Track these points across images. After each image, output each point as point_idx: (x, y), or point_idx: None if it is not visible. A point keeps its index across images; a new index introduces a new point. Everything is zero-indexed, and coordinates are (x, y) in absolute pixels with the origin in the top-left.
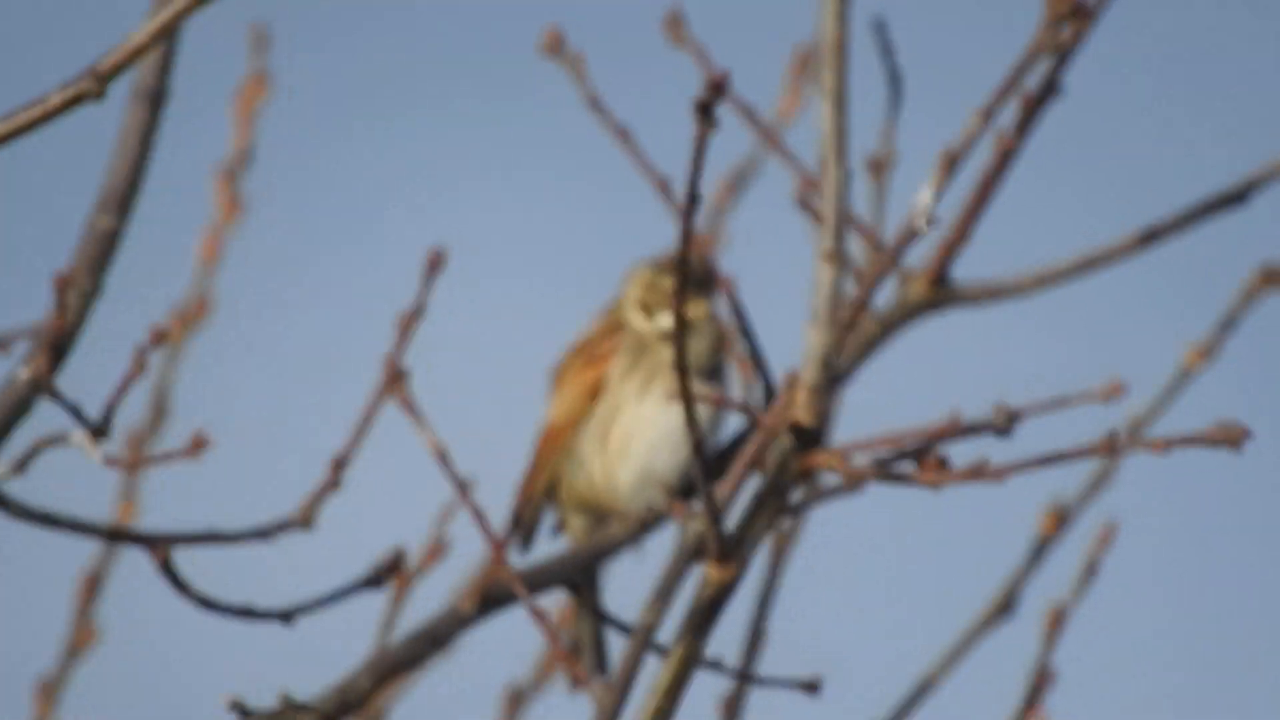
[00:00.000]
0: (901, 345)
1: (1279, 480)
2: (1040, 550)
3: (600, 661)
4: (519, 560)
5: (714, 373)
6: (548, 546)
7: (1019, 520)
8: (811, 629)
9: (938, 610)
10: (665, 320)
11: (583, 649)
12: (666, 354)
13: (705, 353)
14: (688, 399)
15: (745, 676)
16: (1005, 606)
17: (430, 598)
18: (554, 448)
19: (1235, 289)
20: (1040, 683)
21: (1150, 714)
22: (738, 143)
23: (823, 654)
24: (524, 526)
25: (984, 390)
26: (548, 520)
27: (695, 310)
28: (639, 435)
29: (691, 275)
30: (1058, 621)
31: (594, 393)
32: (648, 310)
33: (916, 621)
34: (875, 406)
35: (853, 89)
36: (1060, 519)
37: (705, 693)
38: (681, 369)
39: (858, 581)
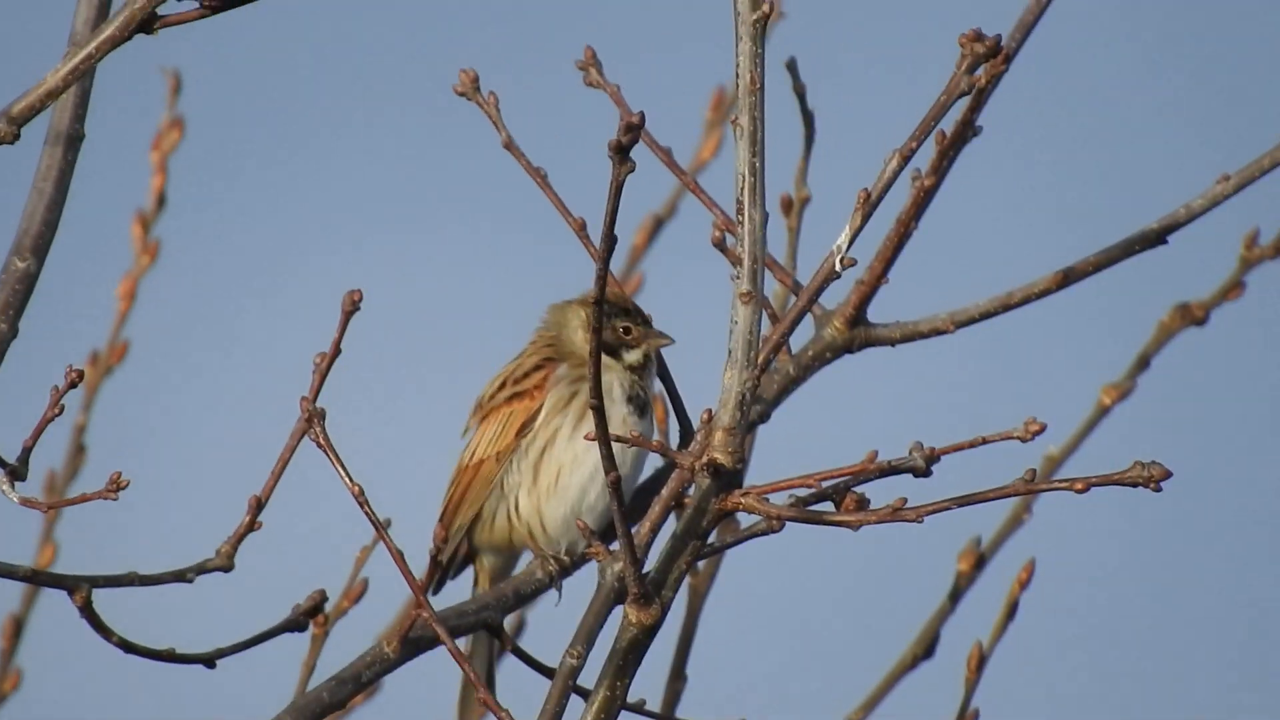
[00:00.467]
0: (819, 386)
1: (1194, 514)
2: (958, 590)
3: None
4: (439, 601)
5: (647, 407)
6: (464, 587)
7: (937, 559)
8: (732, 670)
9: (858, 651)
10: (631, 356)
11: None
12: (606, 383)
13: (648, 386)
14: (604, 439)
15: (669, 719)
16: (926, 647)
17: (350, 638)
18: (479, 481)
19: (1150, 326)
20: None
21: None
22: (657, 185)
23: (743, 694)
24: (441, 564)
25: (902, 430)
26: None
27: (654, 342)
28: (570, 471)
29: (637, 312)
30: (979, 661)
31: (524, 426)
32: (608, 349)
33: (836, 662)
34: (793, 447)
35: (770, 132)
36: (977, 558)
37: None
38: (597, 409)
39: (777, 622)
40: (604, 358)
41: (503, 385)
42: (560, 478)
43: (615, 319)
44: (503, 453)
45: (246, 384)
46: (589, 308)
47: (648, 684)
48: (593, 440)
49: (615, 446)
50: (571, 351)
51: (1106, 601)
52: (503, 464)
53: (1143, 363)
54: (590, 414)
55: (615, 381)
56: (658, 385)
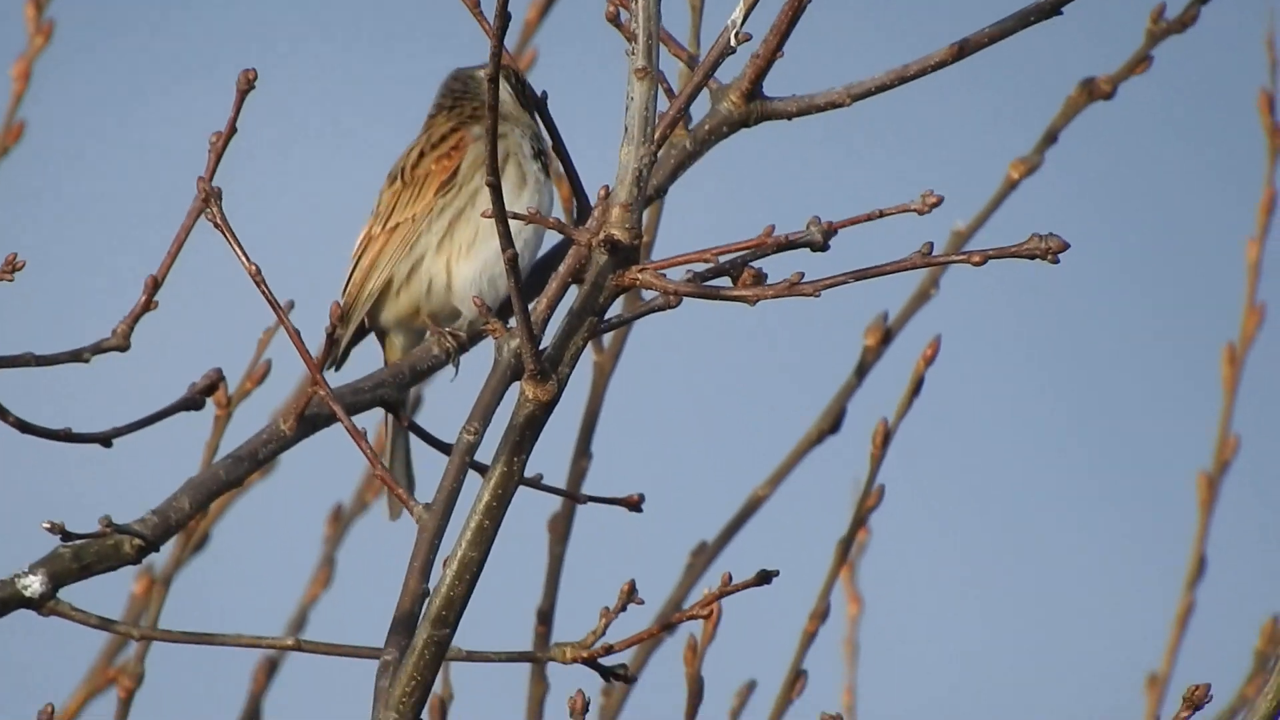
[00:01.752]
0: (715, 161)
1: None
2: (864, 365)
3: (409, 483)
4: (337, 379)
5: (545, 165)
6: (363, 367)
7: (845, 336)
8: (638, 447)
9: (764, 427)
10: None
11: (396, 468)
12: (516, 141)
13: (532, 147)
14: (501, 216)
15: (568, 494)
16: (832, 422)
17: (254, 419)
18: (393, 244)
19: (1057, 102)
20: (868, 500)
21: (977, 528)
22: None
23: (650, 472)
24: (337, 341)
25: (801, 206)
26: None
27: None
28: (489, 233)
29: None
30: (885, 437)
31: (442, 185)
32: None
33: (743, 439)
34: (692, 223)
35: None
36: (884, 334)
37: (534, 513)
38: (495, 186)
39: (683, 400)
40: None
41: (421, 154)
42: (476, 240)
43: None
44: (419, 214)
45: (144, 165)
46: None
47: (553, 463)
48: (489, 218)
49: (514, 222)
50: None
51: (1010, 377)
52: (419, 225)
53: (1050, 137)
54: (505, 173)
55: (520, 141)
56: (558, 165)
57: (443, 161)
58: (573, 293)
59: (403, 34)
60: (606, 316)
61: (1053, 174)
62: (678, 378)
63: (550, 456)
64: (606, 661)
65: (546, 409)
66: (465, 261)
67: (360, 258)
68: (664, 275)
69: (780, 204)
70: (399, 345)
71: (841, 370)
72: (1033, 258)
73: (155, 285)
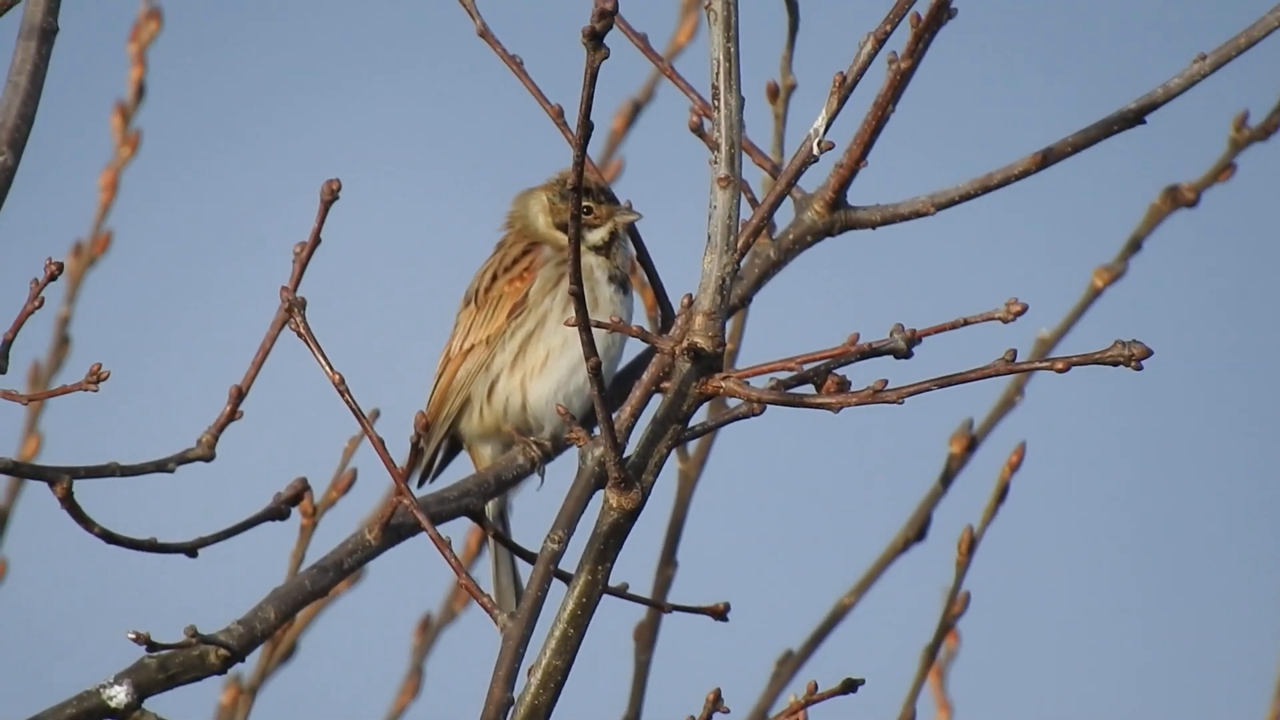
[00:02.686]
0: (800, 270)
1: (1183, 394)
2: (950, 473)
3: (515, 590)
4: (422, 489)
5: (628, 282)
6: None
7: (930, 443)
8: (723, 555)
9: (850, 535)
10: (594, 236)
11: (499, 580)
12: (587, 265)
13: (624, 264)
14: (585, 325)
15: (654, 603)
16: (918, 530)
17: (336, 529)
18: (469, 366)
19: (1141, 210)
20: (954, 606)
21: (1063, 633)
22: (635, 71)
23: (735, 580)
24: (421, 451)
25: (885, 313)
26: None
27: (620, 219)
28: (559, 354)
29: (600, 191)
30: (970, 544)
31: (514, 308)
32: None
33: (829, 546)
34: (776, 331)
35: (751, 16)
36: (969, 441)
37: (619, 620)
38: (578, 295)
39: (769, 507)
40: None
41: (494, 277)
42: (549, 360)
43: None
44: (493, 335)
45: (229, 274)
46: (550, 191)
47: (638, 571)
48: (574, 326)
49: (597, 332)
50: (545, 237)
51: (1096, 483)
52: (493, 346)
53: (1134, 245)
54: (581, 287)
55: (594, 265)
56: (642, 274)
57: (515, 284)
58: (656, 401)
59: (489, 145)
60: (690, 424)
61: (1136, 281)
62: (762, 485)
63: (635, 564)
64: None
65: (631, 517)
66: (539, 380)
67: (439, 378)
68: (748, 383)
69: (864, 311)
70: (487, 455)
71: (927, 477)
72: (1116, 364)
73: (240, 395)
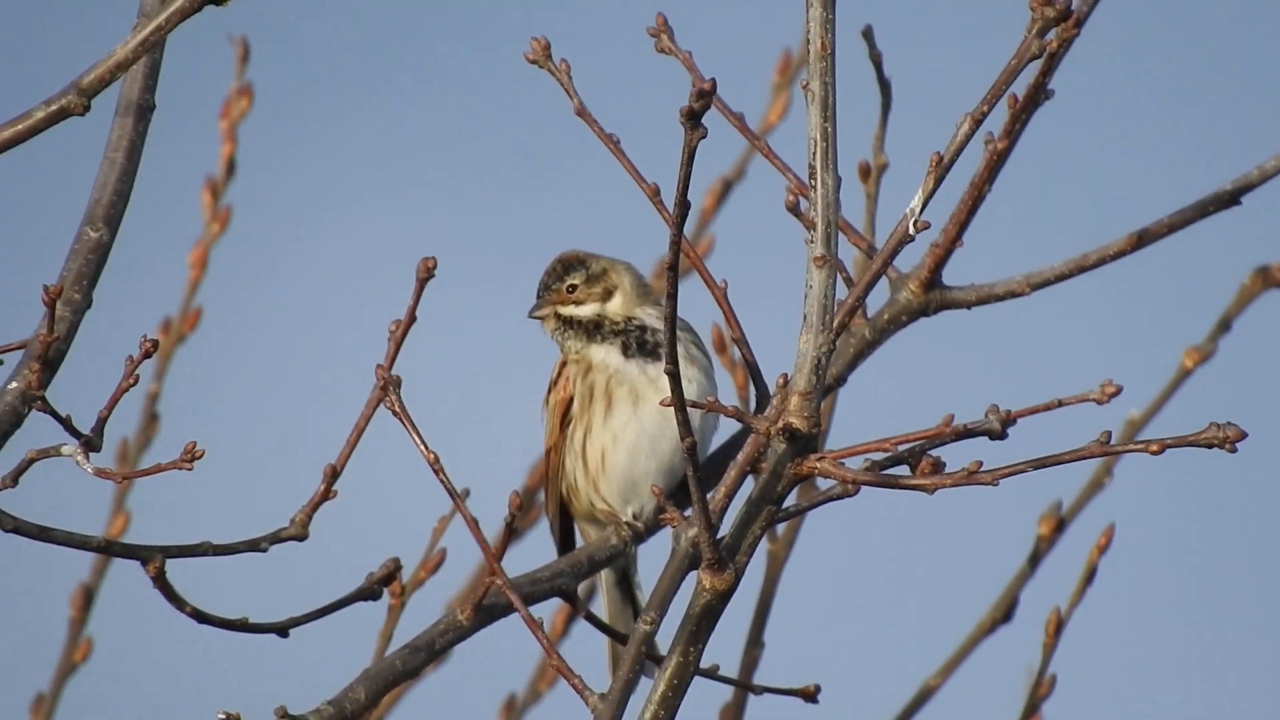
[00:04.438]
0: (895, 349)
1: (1270, 477)
2: (1038, 554)
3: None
4: (514, 569)
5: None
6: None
7: (1018, 524)
8: (810, 635)
9: (936, 615)
10: (583, 311)
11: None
12: (600, 360)
13: (639, 335)
14: (680, 405)
15: (744, 685)
16: (1004, 611)
17: (426, 608)
18: (550, 471)
19: (1230, 290)
20: (1040, 688)
21: (1152, 716)
22: (724, 148)
23: (821, 660)
24: (555, 537)
25: (978, 394)
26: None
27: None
28: (613, 450)
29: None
30: (1057, 626)
31: (564, 418)
32: (557, 340)
33: (915, 627)
34: (869, 411)
35: (841, 95)
36: (1057, 522)
37: (706, 701)
38: (674, 375)
39: (855, 587)
40: (571, 352)
41: (551, 384)
42: (606, 458)
43: (555, 283)
44: (557, 445)
45: (320, 352)
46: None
47: (725, 650)
48: (669, 405)
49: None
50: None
51: (1186, 567)
52: (560, 455)
53: (1224, 325)
54: (615, 397)
55: (605, 356)
56: (735, 352)
57: (558, 395)
58: (749, 481)
59: (582, 221)
60: (784, 505)
61: (1226, 362)
62: (849, 564)
63: (721, 644)
64: None
65: (724, 598)
66: (605, 479)
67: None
68: (842, 464)
69: (956, 391)
70: (591, 534)
71: (1015, 558)
72: (1210, 446)
73: (334, 474)
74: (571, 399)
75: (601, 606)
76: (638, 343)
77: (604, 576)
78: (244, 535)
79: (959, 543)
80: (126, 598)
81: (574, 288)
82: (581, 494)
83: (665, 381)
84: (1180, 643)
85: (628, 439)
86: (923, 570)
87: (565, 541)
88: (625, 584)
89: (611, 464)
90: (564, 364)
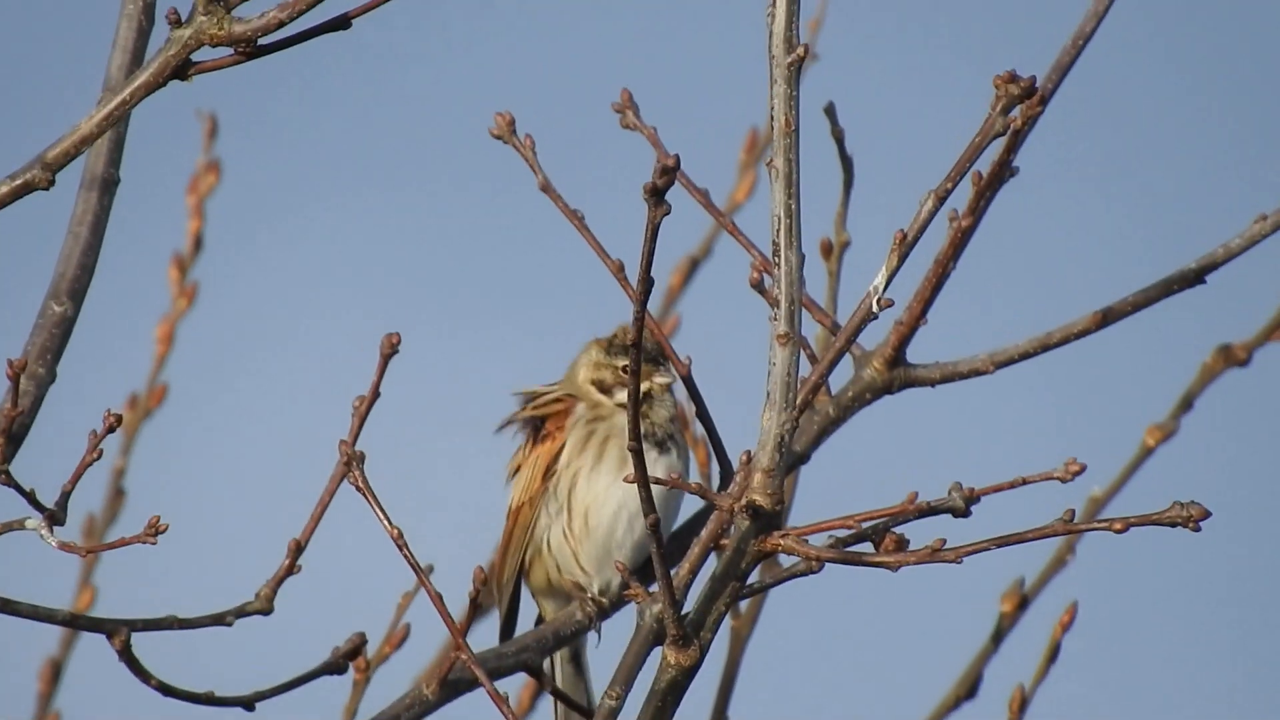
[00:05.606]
0: (858, 426)
1: (1240, 556)
2: (1001, 631)
3: None
4: (478, 644)
5: (669, 441)
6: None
7: (981, 601)
8: (774, 712)
9: (900, 692)
10: (623, 395)
11: None
12: (619, 422)
13: (664, 423)
14: (644, 481)
15: None
16: (968, 688)
17: (392, 682)
18: (518, 529)
19: (1193, 368)
20: None
21: None
22: (692, 226)
23: None
24: (502, 610)
25: (942, 471)
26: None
27: (658, 381)
28: (596, 511)
29: (645, 351)
30: (1021, 704)
31: (549, 469)
32: (603, 388)
33: (879, 704)
34: (832, 488)
35: (806, 172)
36: (1020, 600)
37: None
38: (637, 452)
39: (819, 664)
40: (603, 398)
41: (526, 405)
42: (589, 518)
43: (616, 357)
44: (535, 497)
45: (285, 427)
46: (599, 346)
47: None
48: (632, 483)
49: (624, 491)
50: (581, 391)
51: (1150, 645)
52: (535, 508)
53: (1186, 403)
54: (607, 453)
55: (625, 421)
56: (699, 429)
57: (547, 444)
58: (713, 558)
59: (548, 300)
60: (748, 581)
61: (1189, 440)
62: (813, 641)
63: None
64: None
65: (689, 674)
66: (587, 541)
67: (504, 534)
68: (806, 541)
69: (920, 468)
70: (549, 608)
71: (978, 635)
72: (1174, 525)
73: (299, 549)
74: (562, 448)
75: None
76: (653, 429)
77: (559, 653)
78: (209, 609)
79: (922, 620)
80: (93, 671)
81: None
82: (553, 558)
83: (659, 466)
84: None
85: (610, 505)
86: (886, 647)
87: (509, 618)
88: (577, 662)
89: (594, 525)
90: (559, 400)
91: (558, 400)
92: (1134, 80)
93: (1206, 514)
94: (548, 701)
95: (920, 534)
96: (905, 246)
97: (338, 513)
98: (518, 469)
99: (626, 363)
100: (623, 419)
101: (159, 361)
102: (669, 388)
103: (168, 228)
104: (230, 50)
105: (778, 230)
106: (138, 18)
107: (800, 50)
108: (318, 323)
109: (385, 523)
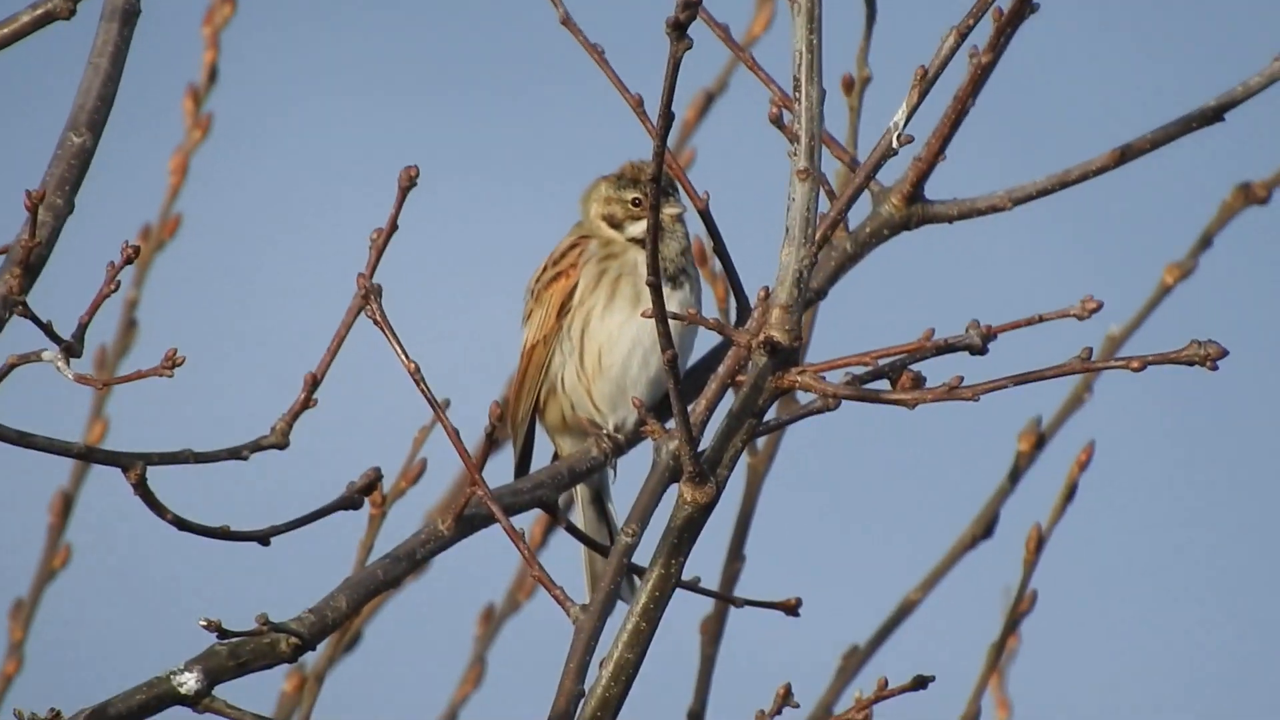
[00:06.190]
0: (876, 263)
1: (1255, 396)
2: (1018, 470)
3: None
4: (495, 479)
5: (682, 275)
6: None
7: (998, 440)
8: (791, 549)
9: (917, 530)
10: (635, 229)
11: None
12: (632, 259)
13: (675, 256)
14: (661, 316)
15: (725, 598)
16: (985, 527)
17: (407, 518)
18: (533, 367)
19: (1212, 206)
20: (1020, 604)
21: (1130, 633)
22: (707, 61)
23: (802, 574)
24: (517, 448)
25: (959, 308)
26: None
27: (667, 211)
28: (610, 349)
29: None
30: (1038, 542)
31: (563, 307)
32: (614, 223)
33: (896, 542)
34: (850, 325)
35: (827, 7)
36: (1037, 439)
37: (686, 614)
38: (655, 286)
39: (835, 502)
40: (614, 233)
41: (545, 269)
42: (602, 357)
43: (624, 190)
44: (549, 336)
45: (302, 260)
46: (609, 182)
47: (706, 564)
48: (650, 318)
49: (643, 327)
50: (593, 229)
51: (1165, 483)
52: (550, 347)
53: (1205, 241)
54: (620, 290)
55: (638, 259)
56: (716, 264)
57: (561, 282)
58: (729, 395)
59: (562, 132)
60: (765, 418)
61: (1207, 278)
62: (830, 479)
63: (703, 557)
64: None
65: (705, 511)
66: (600, 379)
67: (518, 372)
68: (823, 378)
69: (938, 306)
70: (565, 446)
71: (995, 475)
72: (1191, 364)
73: (315, 383)
74: (575, 285)
75: (579, 522)
76: (665, 264)
77: (580, 493)
78: (224, 444)
79: (939, 458)
80: (104, 505)
81: (638, 201)
82: (567, 397)
83: (672, 301)
84: (1160, 559)
85: (624, 343)
86: (903, 485)
87: (524, 457)
88: (599, 503)
89: (607, 364)
90: (572, 248)
91: (572, 247)
92: None
93: (1224, 352)
94: (561, 537)
95: (937, 372)
96: (925, 83)
97: (354, 346)
98: (530, 302)
99: (635, 195)
100: (634, 256)
101: (173, 192)
102: (679, 218)
103: (184, 59)
104: None
105: (798, 65)
106: None
107: None
108: (334, 156)
109: (402, 356)
